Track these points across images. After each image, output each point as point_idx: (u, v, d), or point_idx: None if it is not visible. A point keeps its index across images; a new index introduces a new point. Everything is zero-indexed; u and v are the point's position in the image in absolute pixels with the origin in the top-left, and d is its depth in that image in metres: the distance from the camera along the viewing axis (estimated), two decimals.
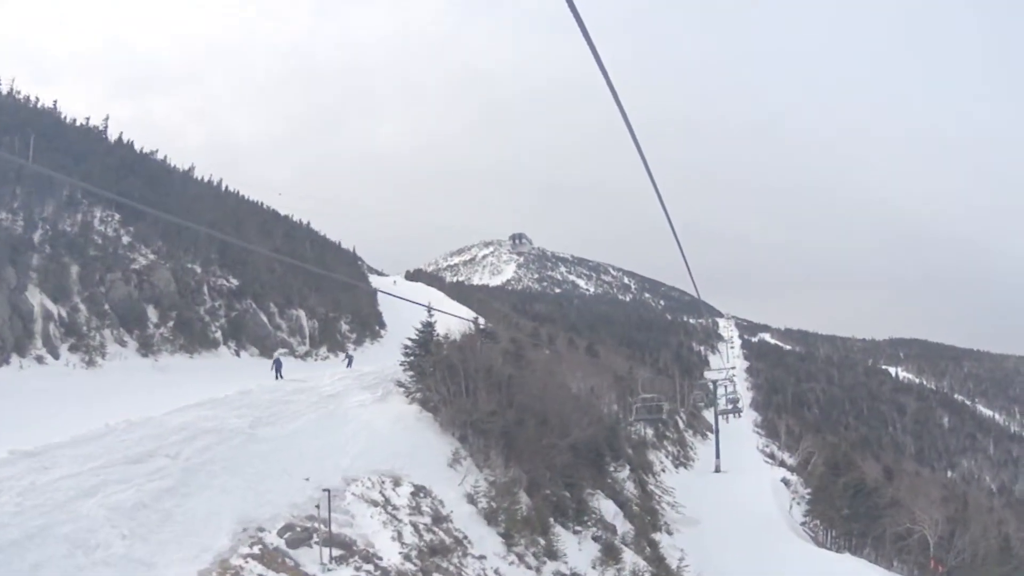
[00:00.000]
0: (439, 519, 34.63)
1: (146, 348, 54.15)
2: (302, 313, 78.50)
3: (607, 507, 52.41)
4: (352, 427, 41.42)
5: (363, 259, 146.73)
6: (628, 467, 72.20)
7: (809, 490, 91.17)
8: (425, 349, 50.06)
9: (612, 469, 67.10)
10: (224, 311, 66.70)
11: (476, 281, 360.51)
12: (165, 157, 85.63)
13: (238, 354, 64.89)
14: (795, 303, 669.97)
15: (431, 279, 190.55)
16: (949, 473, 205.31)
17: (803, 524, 77.62)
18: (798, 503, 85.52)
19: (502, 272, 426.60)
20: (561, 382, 73.38)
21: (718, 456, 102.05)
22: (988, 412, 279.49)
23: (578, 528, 45.19)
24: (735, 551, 59.59)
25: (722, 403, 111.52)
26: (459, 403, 45.42)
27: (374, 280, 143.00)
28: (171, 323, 58.28)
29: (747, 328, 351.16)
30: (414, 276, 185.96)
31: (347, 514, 30.59)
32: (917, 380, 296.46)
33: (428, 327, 51.41)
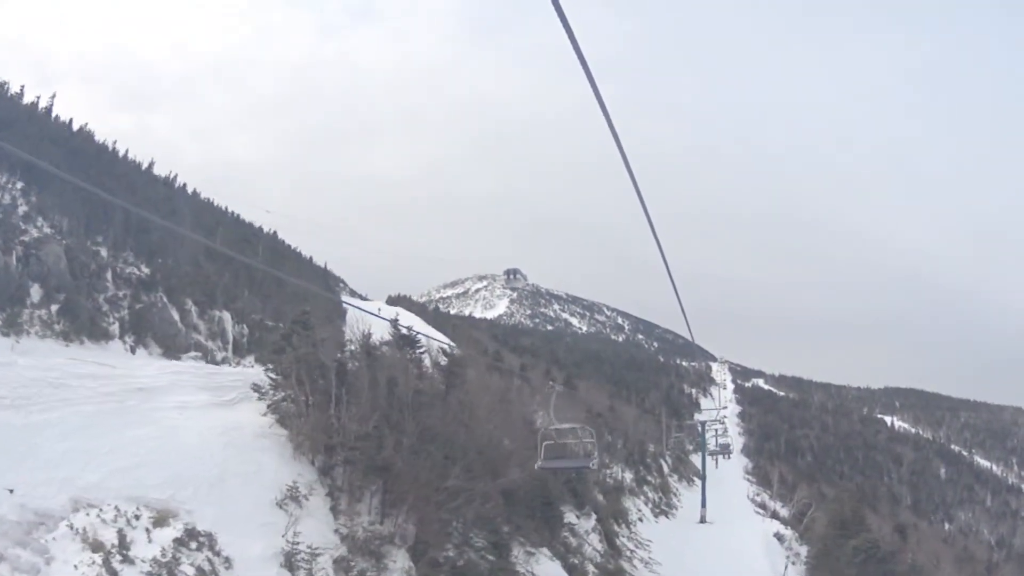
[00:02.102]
0: None
1: (11, 327, 43.66)
2: (227, 315, 67.61)
3: (551, 572, 41.25)
4: (144, 432, 30.07)
5: (346, 281, 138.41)
6: (594, 517, 61.20)
7: (807, 548, 79.94)
8: (287, 341, 38.70)
9: (575, 519, 56.45)
10: (128, 302, 56.59)
11: (468, 314, 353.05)
12: (113, 145, 79.96)
13: (133, 351, 54.14)
14: (790, 350, 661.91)
15: (413, 306, 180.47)
16: (947, 525, 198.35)
17: None
18: (794, 563, 74.25)
19: (495, 306, 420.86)
20: (516, 413, 62.52)
21: (704, 505, 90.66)
22: (986, 463, 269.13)
23: None
24: None
25: (712, 445, 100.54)
26: (322, 418, 33.99)
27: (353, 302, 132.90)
28: (55, 305, 48.17)
29: (741, 373, 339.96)
30: (395, 301, 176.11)
31: (41, 554, 19.81)
32: (913, 430, 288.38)
33: (304, 315, 40.24)
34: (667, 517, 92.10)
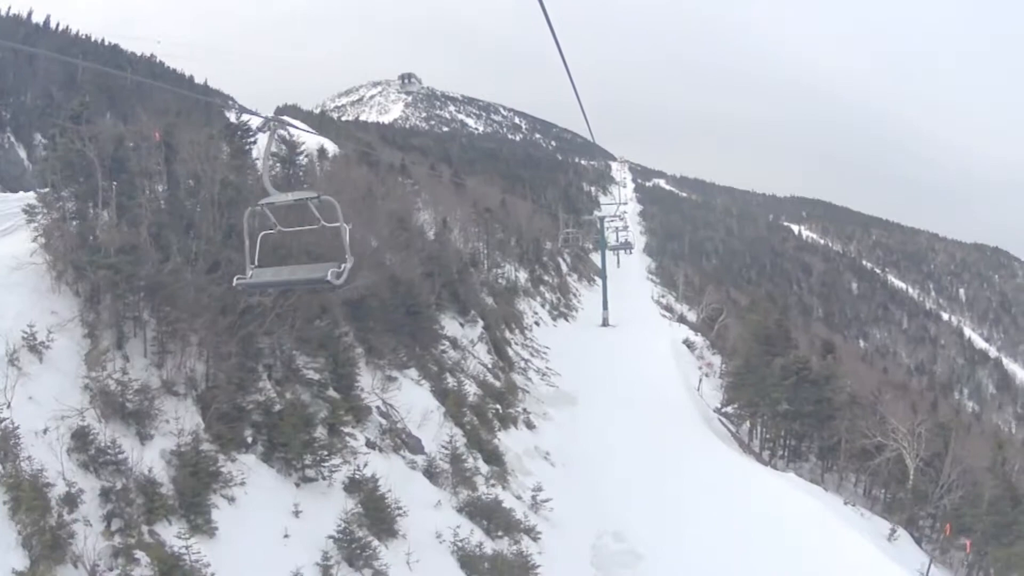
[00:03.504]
0: None
1: None
2: None
3: (416, 400, 31.86)
4: None
5: (234, 99, 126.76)
6: (481, 324, 52.11)
7: (721, 359, 72.53)
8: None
9: (459, 328, 47.60)
10: None
11: (356, 118, 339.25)
12: None
13: None
14: (693, 151, 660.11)
15: (300, 114, 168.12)
16: (862, 343, 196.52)
17: (720, 412, 58.55)
18: (707, 375, 66.69)
19: (389, 111, 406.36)
20: (386, 210, 52.56)
21: (606, 307, 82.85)
22: (901, 284, 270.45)
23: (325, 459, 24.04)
24: (624, 459, 40.51)
25: (612, 241, 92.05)
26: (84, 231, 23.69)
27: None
28: None
29: (641, 173, 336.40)
30: (283, 112, 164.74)
31: None
32: (822, 241, 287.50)
33: (82, 106, 28.91)
34: (566, 320, 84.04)
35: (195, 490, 19.56)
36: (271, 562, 19.54)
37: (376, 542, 21.96)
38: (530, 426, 42.96)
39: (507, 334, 60.39)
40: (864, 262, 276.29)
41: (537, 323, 73.96)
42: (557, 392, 53.33)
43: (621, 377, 57.73)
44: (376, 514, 22.89)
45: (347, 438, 25.54)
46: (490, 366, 48.26)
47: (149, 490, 18.83)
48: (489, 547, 25.26)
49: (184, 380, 22.30)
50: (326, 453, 23.60)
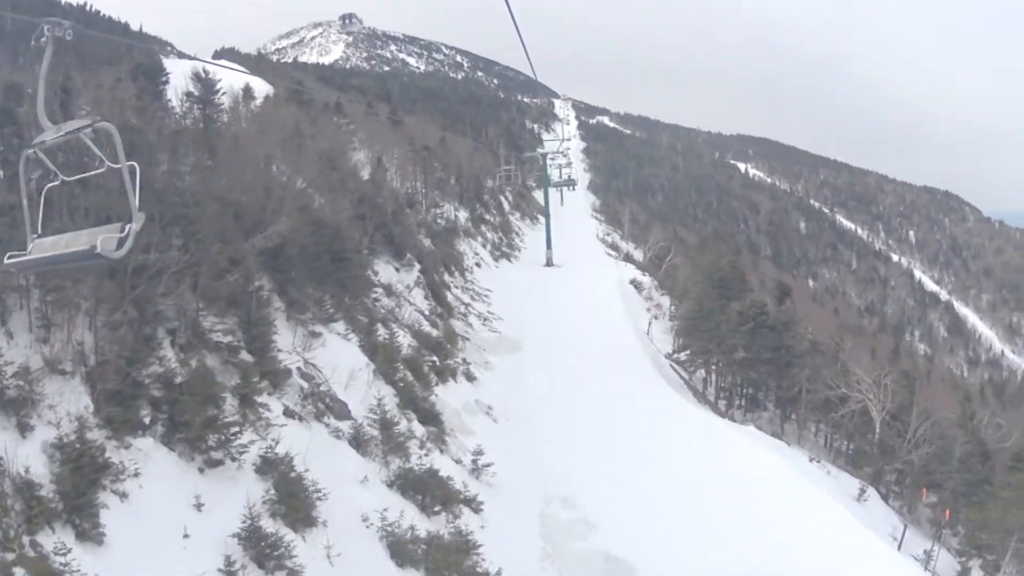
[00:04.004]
0: None
1: None
2: None
3: (342, 358, 28.86)
4: None
5: (173, 44, 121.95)
6: (418, 267, 49.11)
7: (670, 301, 69.97)
8: None
9: (394, 272, 44.64)
10: None
11: (294, 59, 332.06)
12: None
13: None
14: (636, 89, 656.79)
15: (237, 57, 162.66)
16: (811, 283, 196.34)
17: (672, 358, 56.11)
18: (656, 317, 64.19)
19: (330, 52, 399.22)
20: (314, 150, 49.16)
21: (549, 246, 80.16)
22: (849, 225, 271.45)
23: (233, 436, 20.42)
24: (572, 411, 38.05)
25: (555, 178, 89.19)
26: None
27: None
28: None
29: (585, 110, 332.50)
30: (221, 55, 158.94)
31: None
32: (769, 179, 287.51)
33: None
34: (509, 261, 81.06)
35: (79, 489, 16.04)
36: (168, 570, 16.36)
37: (291, 534, 18.75)
38: (470, 378, 40.16)
39: (446, 277, 57.39)
40: (812, 201, 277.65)
41: (478, 264, 71.01)
42: (500, 338, 50.55)
43: (567, 320, 55.23)
44: (291, 500, 19.64)
45: (260, 409, 22.18)
46: (427, 313, 45.34)
47: (26, 493, 15.56)
48: (424, 528, 22.18)
49: (72, 356, 18.96)
50: (237, 429, 20.21)
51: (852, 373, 45.50)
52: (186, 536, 17.31)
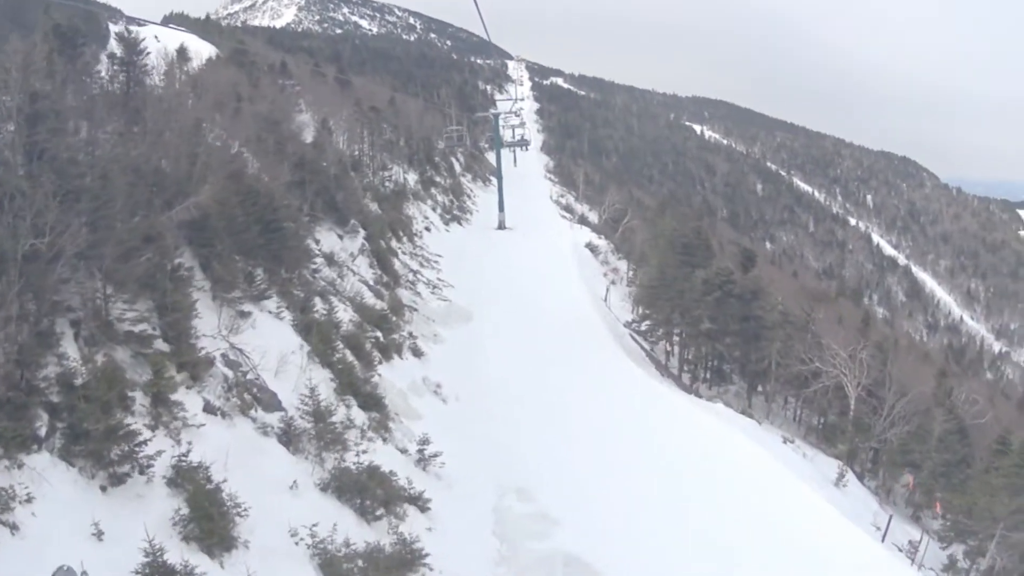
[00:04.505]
0: None
1: None
2: None
3: (273, 340, 26.16)
4: None
5: (122, 10, 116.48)
6: (362, 234, 46.51)
7: (627, 264, 67.66)
8: None
9: (337, 240, 42.14)
10: None
11: (243, 23, 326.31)
12: None
13: None
14: (591, 50, 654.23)
15: (187, 22, 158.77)
16: (768, 245, 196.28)
17: (632, 327, 53.83)
18: (614, 282, 61.94)
19: (282, 16, 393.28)
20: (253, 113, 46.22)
21: (502, 208, 77.91)
22: (806, 188, 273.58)
23: (140, 445, 17.16)
24: (527, 388, 35.88)
25: (508, 137, 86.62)
26: None
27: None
28: None
29: (539, 72, 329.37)
30: (170, 20, 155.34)
31: None
32: (725, 142, 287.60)
33: None
34: (460, 224, 78.56)
35: None
36: None
37: (206, 562, 15.87)
38: (418, 353, 37.62)
39: (393, 243, 54.83)
40: (769, 164, 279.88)
41: (428, 228, 68.51)
42: (450, 307, 48.20)
43: (520, 287, 53.20)
44: (206, 522, 16.52)
45: (175, 408, 19.12)
46: (372, 283, 42.82)
47: None
48: (362, 539, 19.34)
49: None
50: (145, 436, 17.09)
51: (827, 347, 43.40)
52: (83, 574, 14.19)
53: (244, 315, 26.11)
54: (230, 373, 22.71)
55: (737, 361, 48.00)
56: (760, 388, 47.89)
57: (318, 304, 32.26)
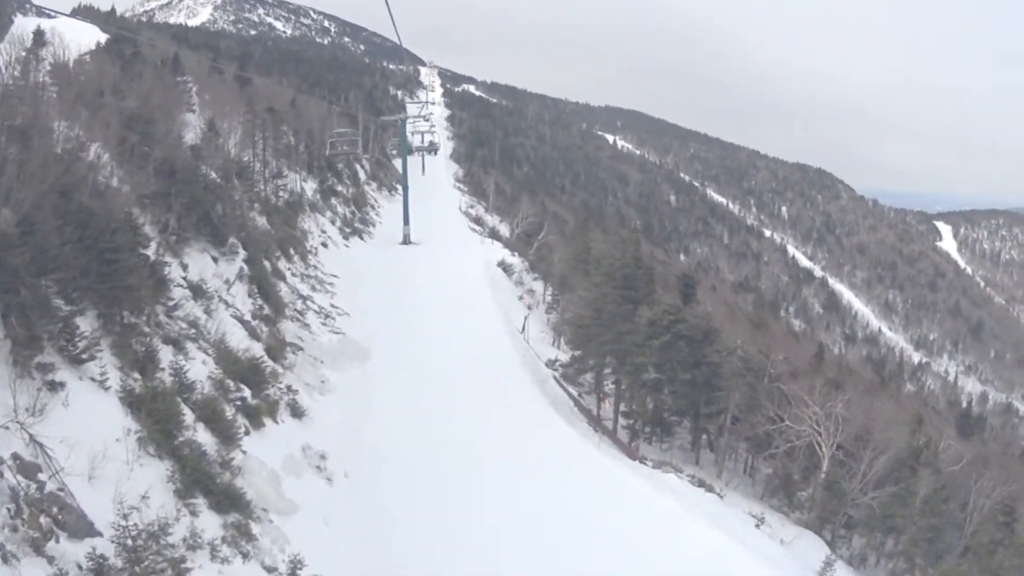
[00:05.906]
0: None
1: None
2: None
3: (91, 423, 19.43)
4: None
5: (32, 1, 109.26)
6: (242, 255, 40.41)
7: (543, 284, 62.24)
8: None
9: (211, 263, 36.34)
10: None
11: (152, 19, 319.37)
12: None
13: None
14: (503, 59, 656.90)
15: (96, 16, 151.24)
16: (683, 257, 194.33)
17: (556, 367, 47.12)
18: (531, 307, 56.55)
19: (198, 15, 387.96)
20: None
21: (407, 221, 72.66)
22: (720, 199, 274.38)
23: None
24: (433, 456, 30.40)
25: (417, 142, 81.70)
26: None
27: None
28: None
29: (451, 79, 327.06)
30: (78, 13, 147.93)
31: None
32: (638, 152, 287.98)
33: None
34: (361, 239, 73.03)
35: None
36: None
37: None
38: (297, 412, 31.26)
39: (282, 264, 48.99)
40: (682, 175, 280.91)
41: (325, 244, 62.88)
42: (343, 341, 42.62)
43: (426, 315, 47.92)
44: None
45: None
46: (249, 317, 36.77)
47: None
48: None
49: None
50: None
51: (794, 399, 38.19)
52: None
53: (54, 387, 19.57)
54: (20, 483, 16.20)
55: (684, 412, 42.15)
56: (710, 443, 42.77)
57: (166, 359, 25.69)
